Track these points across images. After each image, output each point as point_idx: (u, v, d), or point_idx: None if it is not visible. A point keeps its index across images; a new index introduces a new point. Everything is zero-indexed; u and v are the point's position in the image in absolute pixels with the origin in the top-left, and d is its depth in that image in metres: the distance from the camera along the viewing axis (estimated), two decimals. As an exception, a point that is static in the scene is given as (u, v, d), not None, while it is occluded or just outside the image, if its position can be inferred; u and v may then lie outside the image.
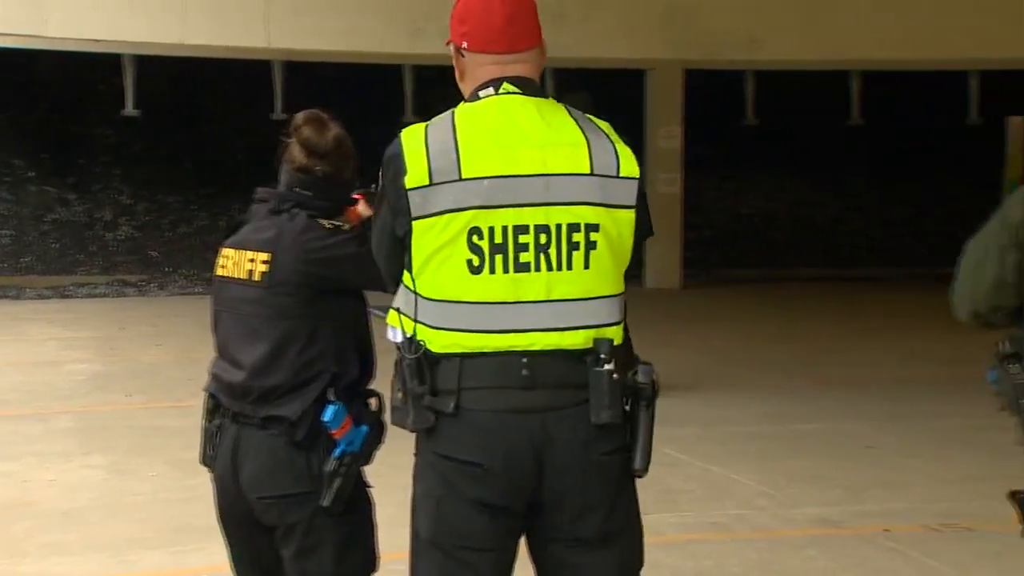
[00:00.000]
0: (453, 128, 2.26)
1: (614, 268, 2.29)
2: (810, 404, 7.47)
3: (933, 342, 9.36)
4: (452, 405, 2.22)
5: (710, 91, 15.07)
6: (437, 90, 15.24)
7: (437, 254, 2.22)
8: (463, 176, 2.21)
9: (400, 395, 2.27)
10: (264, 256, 2.74)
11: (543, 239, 2.22)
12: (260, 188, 2.89)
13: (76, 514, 5.17)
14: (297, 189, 2.81)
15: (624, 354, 2.29)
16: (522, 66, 2.33)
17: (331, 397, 2.70)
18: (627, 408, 2.28)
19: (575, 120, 2.31)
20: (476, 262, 2.21)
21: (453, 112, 2.30)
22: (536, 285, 2.23)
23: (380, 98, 14.64)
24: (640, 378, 2.28)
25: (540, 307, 2.23)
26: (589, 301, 2.25)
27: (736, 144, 16.41)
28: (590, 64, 13.38)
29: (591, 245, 2.25)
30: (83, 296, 13.53)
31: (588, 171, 2.25)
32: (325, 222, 2.78)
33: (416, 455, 2.32)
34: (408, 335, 2.25)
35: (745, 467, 5.87)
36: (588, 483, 2.25)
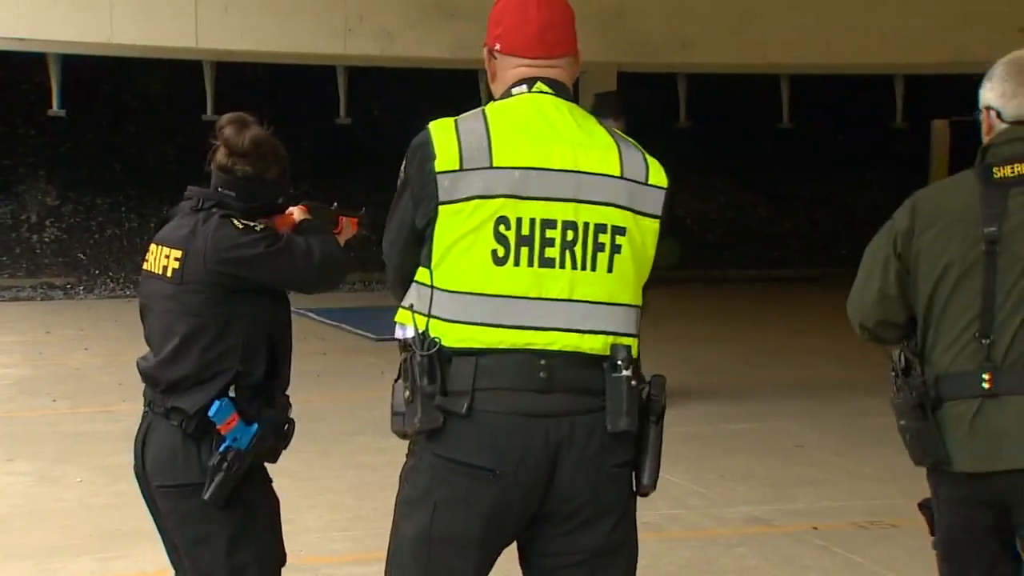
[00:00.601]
0: (485, 120, 2.24)
1: (636, 277, 2.26)
2: (743, 404, 7.55)
3: (862, 342, 9.50)
4: (465, 406, 2.15)
5: (643, 93, 15.17)
6: (371, 91, 15.19)
7: (461, 241, 2.18)
8: (494, 164, 2.19)
9: (407, 394, 2.18)
10: (177, 253, 2.81)
11: (570, 236, 2.20)
12: (191, 187, 2.93)
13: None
14: (221, 189, 2.87)
15: (639, 367, 2.25)
16: (555, 71, 2.33)
17: (232, 394, 2.75)
18: (644, 423, 2.23)
19: (605, 128, 2.32)
20: (501, 252, 2.17)
21: (483, 108, 2.28)
22: (559, 282, 2.19)
23: (313, 98, 14.53)
24: (653, 390, 2.25)
25: (562, 306, 2.19)
26: (610, 306, 2.22)
27: (669, 146, 16.52)
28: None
29: (616, 248, 2.22)
30: (8, 300, 13.25)
31: (618, 173, 2.25)
32: (238, 222, 2.81)
33: (410, 455, 2.25)
34: (420, 331, 2.18)
35: (678, 467, 5.91)
36: (598, 494, 2.20)
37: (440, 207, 2.18)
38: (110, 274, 14.33)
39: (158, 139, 15.95)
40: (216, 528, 2.78)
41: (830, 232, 17.10)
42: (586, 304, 2.20)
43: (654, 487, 2.26)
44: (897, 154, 16.83)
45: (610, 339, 2.21)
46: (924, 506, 2.70)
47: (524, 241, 2.18)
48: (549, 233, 2.19)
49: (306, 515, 4.78)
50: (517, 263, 2.18)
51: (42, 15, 11.70)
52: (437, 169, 2.18)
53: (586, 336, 2.20)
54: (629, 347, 2.22)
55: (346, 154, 15.28)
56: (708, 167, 17.48)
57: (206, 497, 2.73)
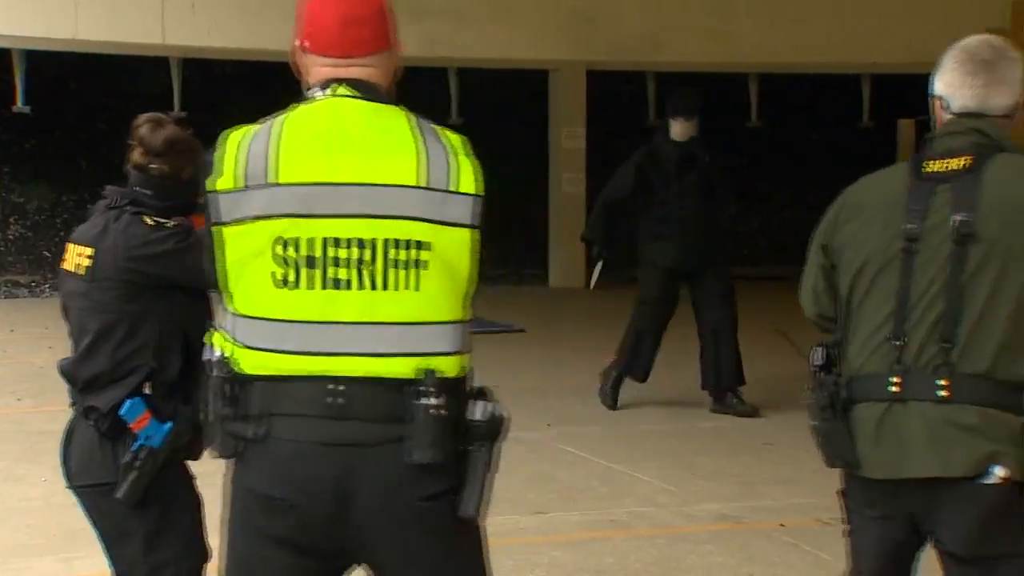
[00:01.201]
0: (277, 130, 2.11)
1: (448, 292, 2.08)
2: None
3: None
4: (257, 433, 2.06)
5: (613, 92, 15.20)
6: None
7: (247, 265, 2.07)
8: (278, 180, 2.06)
9: (207, 418, 2.12)
10: (89, 251, 2.84)
11: (363, 255, 2.04)
12: (109, 186, 2.97)
13: (-39, 523, 5.02)
14: (137, 188, 2.90)
15: (458, 388, 2.09)
16: (362, 70, 2.19)
17: (147, 391, 2.76)
18: (468, 448, 2.07)
19: (415, 129, 2.14)
20: (285, 275, 2.05)
21: (282, 113, 2.16)
22: (353, 305, 2.04)
23: (284, 95, 14.45)
24: (473, 415, 2.08)
25: (358, 329, 2.05)
26: (416, 326, 2.06)
27: (639, 145, 16.55)
28: (494, 65, 13.39)
29: (420, 265, 2.06)
30: (-28, 298, 13.11)
31: (417, 183, 2.07)
32: (148, 220, 2.83)
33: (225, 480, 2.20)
34: (222, 353, 2.10)
35: (647, 465, 5.93)
36: (406, 534, 2.06)
37: (224, 228, 2.07)
38: (76, 272, 14.21)
39: (125, 136, 15.82)
40: (134, 526, 2.81)
41: (799, 230, 17.17)
42: (388, 326, 2.05)
43: (475, 516, 2.09)
44: (864, 153, 16.94)
45: (418, 361, 2.05)
46: (844, 493, 2.64)
47: (310, 263, 2.04)
48: (339, 253, 2.04)
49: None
50: (305, 286, 2.04)
51: (7, 11, 11.58)
52: (218, 188, 2.08)
53: (389, 360, 2.05)
54: (438, 370, 2.05)
55: (315, 152, 15.22)
56: (677, 166, 17.49)
57: (119, 496, 2.75)
